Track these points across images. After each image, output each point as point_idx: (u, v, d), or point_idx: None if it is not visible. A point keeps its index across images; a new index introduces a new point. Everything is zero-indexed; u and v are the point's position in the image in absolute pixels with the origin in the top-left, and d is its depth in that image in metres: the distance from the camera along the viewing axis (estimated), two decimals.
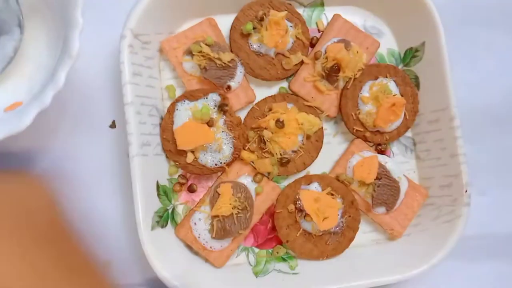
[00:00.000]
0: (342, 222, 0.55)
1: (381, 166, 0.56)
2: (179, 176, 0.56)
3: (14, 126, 0.43)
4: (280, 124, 0.54)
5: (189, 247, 0.55)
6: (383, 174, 0.56)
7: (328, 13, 0.61)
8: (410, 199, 0.58)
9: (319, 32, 0.61)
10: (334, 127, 0.60)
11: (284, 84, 0.60)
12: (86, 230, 0.55)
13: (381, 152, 0.60)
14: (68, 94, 0.56)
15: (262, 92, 0.59)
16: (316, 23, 0.61)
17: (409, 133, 0.61)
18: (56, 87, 0.43)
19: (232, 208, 0.52)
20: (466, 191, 0.55)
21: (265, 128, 0.55)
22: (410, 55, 0.61)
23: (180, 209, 0.56)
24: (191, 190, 0.56)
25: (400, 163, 0.60)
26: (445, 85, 0.56)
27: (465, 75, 0.60)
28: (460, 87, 0.57)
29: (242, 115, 0.57)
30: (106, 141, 0.57)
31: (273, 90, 0.60)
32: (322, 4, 0.61)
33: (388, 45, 0.62)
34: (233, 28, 0.57)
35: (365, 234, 0.59)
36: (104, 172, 0.56)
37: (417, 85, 0.60)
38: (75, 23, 0.44)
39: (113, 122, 0.57)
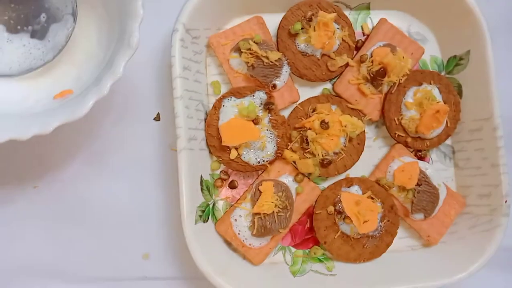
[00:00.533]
0: (380, 226, 0.55)
1: (421, 172, 0.56)
2: (221, 171, 0.56)
3: (71, 114, 0.43)
4: (325, 125, 0.54)
5: (227, 242, 0.55)
6: (423, 181, 0.56)
7: (374, 16, 0.61)
8: (448, 207, 0.58)
9: (363, 35, 0.61)
10: (375, 131, 0.60)
11: (327, 85, 0.60)
12: (126, 221, 0.55)
13: (421, 158, 0.60)
14: (114, 85, 0.56)
15: (305, 92, 0.59)
16: (361, 26, 0.61)
17: (448, 141, 0.61)
18: (114, 77, 0.44)
19: (274, 207, 0.52)
20: (505, 201, 0.55)
21: (309, 129, 0.55)
22: (454, 63, 0.61)
23: (220, 204, 0.56)
24: (232, 186, 0.56)
25: (438, 171, 0.59)
26: (490, 95, 0.56)
27: (507, 85, 0.59)
28: (502, 97, 0.56)
29: (285, 114, 0.57)
30: (149, 133, 0.57)
31: (316, 90, 0.60)
32: (368, 8, 0.61)
33: (432, 52, 0.62)
34: (281, 27, 0.57)
35: (400, 239, 0.58)
36: (147, 164, 0.56)
37: (459, 93, 0.60)
38: (136, 14, 0.45)
39: (158, 114, 0.57)
